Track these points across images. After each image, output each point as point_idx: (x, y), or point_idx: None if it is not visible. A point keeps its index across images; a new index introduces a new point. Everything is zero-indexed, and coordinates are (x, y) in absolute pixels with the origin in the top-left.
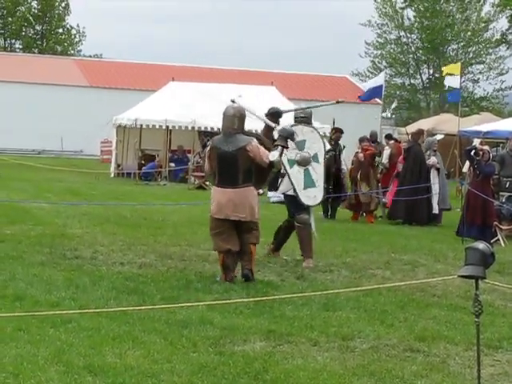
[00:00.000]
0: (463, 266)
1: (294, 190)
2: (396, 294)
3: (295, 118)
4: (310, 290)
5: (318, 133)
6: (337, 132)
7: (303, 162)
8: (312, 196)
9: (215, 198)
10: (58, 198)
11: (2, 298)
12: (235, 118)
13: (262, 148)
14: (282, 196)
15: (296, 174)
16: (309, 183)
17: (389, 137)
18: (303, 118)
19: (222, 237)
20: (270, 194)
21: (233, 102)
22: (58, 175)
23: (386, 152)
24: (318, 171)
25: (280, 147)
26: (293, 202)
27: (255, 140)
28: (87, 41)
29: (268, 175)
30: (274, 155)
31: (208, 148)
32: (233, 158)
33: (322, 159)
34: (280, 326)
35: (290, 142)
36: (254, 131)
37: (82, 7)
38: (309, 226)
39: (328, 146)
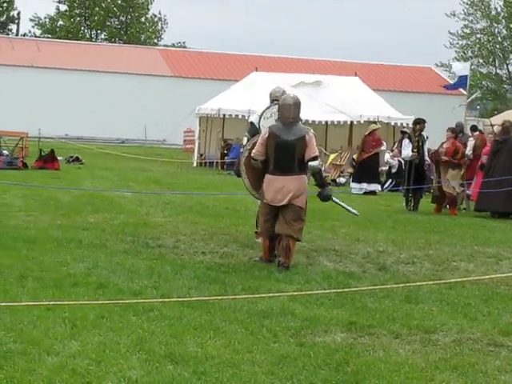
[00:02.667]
0: None
1: None
2: (479, 288)
3: (272, 100)
4: (392, 282)
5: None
6: (419, 123)
7: None
8: None
9: (267, 185)
10: (141, 186)
11: (86, 285)
12: (294, 107)
13: (315, 143)
14: (364, 188)
15: None
16: None
17: (474, 128)
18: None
19: (269, 223)
20: (352, 185)
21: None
22: (141, 164)
23: (471, 143)
24: None
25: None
26: None
27: (312, 131)
28: (171, 29)
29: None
30: (317, 163)
31: (264, 134)
32: (292, 147)
33: None
34: (361, 318)
35: (271, 119)
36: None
37: None
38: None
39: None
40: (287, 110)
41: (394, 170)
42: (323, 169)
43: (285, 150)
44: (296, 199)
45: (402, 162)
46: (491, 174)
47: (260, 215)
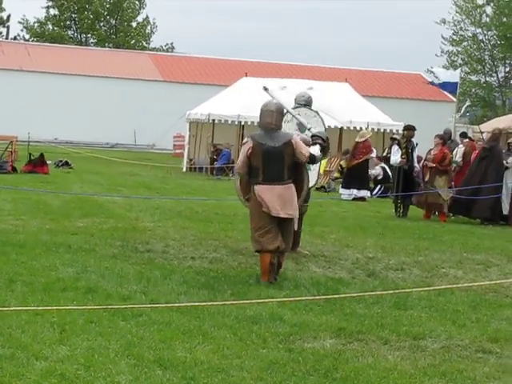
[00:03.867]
0: None
1: None
2: (468, 294)
3: (297, 103)
4: (381, 289)
5: (321, 118)
6: (409, 130)
7: None
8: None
9: (264, 196)
10: (131, 191)
11: (75, 290)
12: (276, 114)
13: (302, 143)
14: (354, 194)
15: None
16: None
17: (464, 135)
18: (304, 106)
19: (270, 235)
20: (342, 191)
21: (265, 89)
22: (130, 169)
23: (460, 150)
24: None
25: (319, 145)
26: None
27: (295, 135)
28: (159, 32)
29: (304, 173)
30: (315, 150)
31: (247, 145)
32: (279, 154)
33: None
34: (350, 324)
35: (292, 123)
36: None
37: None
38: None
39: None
40: (269, 116)
41: (380, 177)
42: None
43: (273, 158)
44: (293, 212)
45: (386, 167)
46: (479, 181)
47: (256, 228)
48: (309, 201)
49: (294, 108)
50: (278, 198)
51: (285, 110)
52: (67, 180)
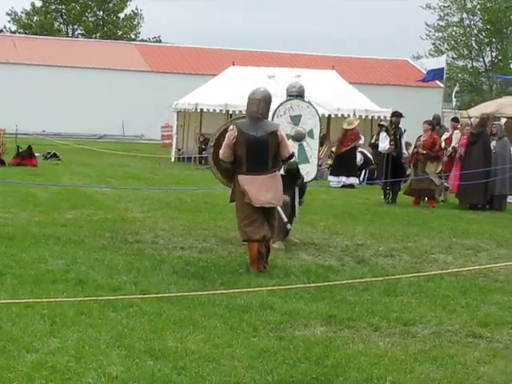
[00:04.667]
0: None
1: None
2: (458, 280)
3: (288, 95)
4: (371, 275)
5: (314, 108)
6: (397, 116)
7: (298, 137)
8: (305, 172)
9: (246, 187)
10: (120, 182)
11: (64, 282)
12: (262, 102)
13: (286, 139)
14: (342, 181)
15: None
16: (302, 159)
17: (456, 120)
18: (296, 97)
19: (256, 224)
20: (331, 178)
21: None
22: (119, 160)
23: (456, 136)
24: (312, 147)
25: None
26: None
27: (281, 126)
28: (146, 24)
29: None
30: (295, 161)
31: (232, 133)
32: (263, 144)
33: (317, 135)
34: (341, 311)
35: (285, 116)
36: None
37: None
38: (288, 208)
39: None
40: (255, 104)
41: (361, 162)
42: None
43: (257, 147)
44: (278, 201)
45: (364, 151)
46: (468, 166)
47: (242, 218)
48: (303, 196)
49: (287, 101)
50: (260, 187)
51: (277, 105)
52: (56, 172)
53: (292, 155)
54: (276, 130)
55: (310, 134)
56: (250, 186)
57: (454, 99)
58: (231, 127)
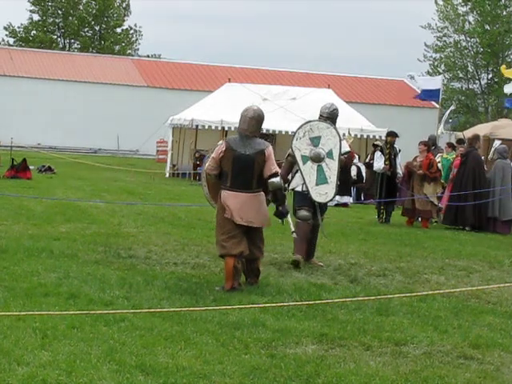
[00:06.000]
0: None
1: (306, 186)
2: (450, 300)
3: (320, 115)
4: (364, 294)
5: (335, 129)
6: (392, 136)
7: (317, 159)
8: (323, 193)
9: (229, 203)
10: (114, 197)
11: (57, 295)
12: (254, 121)
13: (273, 158)
14: (336, 200)
15: (309, 170)
16: (321, 180)
17: (460, 142)
18: (327, 119)
19: (235, 240)
20: None
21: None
22: (113, 174)
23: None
24: (331, 167)
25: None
26: (299, 198)
27: (271, 146)
28: (145, 40)
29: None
30: (279, 179)
31: (219, 148)
32: (250, 162)
33: (336, 155)
34: (332, 330)
35: (305, 138)
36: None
37: (139, 6)
38: (306, 224)
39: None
40: (246, 122)
41: (354, 178)
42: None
43: (243, 165)
44: (260, 221)
45: (360, 166)
46: (456, 187)
47: (221, 233)
48: (325, 213)
49: (306, 123)
50: (242, 205)
51: (296, 128)
52: (50, 185)
53: (275, 174)
54: (264, 148)
55: (330, 154)
56: (232, 202)
57: (443, 124)
58: (220, 142)
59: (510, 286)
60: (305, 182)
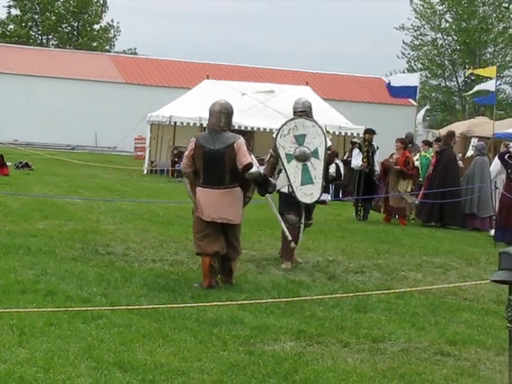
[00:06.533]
0: (496, 270)
1: (291, 187)
2: (427, 297)
3: (294, 112)
4: (341, 291)
5: (320, 127)
6: (370, 133)
7: (302, 158)
8: (309, 193)
9: (200, 199)
10: (92, 193)
11: (34, 292)
12: (222, 115)
13: (246, 149)
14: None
15: (294, 169)
16: (307, 180)
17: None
18: (302, 112)
19: (209, 239)
20: None
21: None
22: (91, 171)
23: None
24: (317, 167)
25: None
26: (285, 200)
27: (242, 138)
28: (122, 35)
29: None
30: (256, 166)
31: (190, 145)
32: (220, 157)
33: (322, 155)
34: (310, 327)
35: (289, 136)
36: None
37: (118, 2)
38: (296, 228)
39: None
40: (214, 116)
41: (333, 175)
42: None
43: (213, 160)
44: (233, 217)
45: (339, 164)
46: (435, 185)
47: (196, 231)
48: (312, 218)
49: (291, 120)
50: (214, 202)
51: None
52: (27, 182)
53: (249, 165)
54: (233, 142)
55: (315, 153)
56: (204, 199)
57: (419, 125)
58: (192, 139)
59: (487, 282)
60: (289, 182)
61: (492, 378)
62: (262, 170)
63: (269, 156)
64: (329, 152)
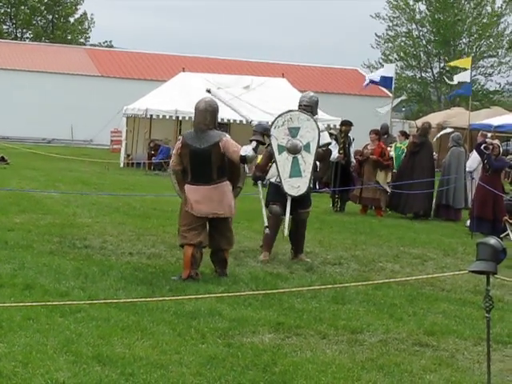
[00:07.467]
0: (474, 260)
1: (279, 177)
2: (405, 288)
3: (299, 105)
4: (319, 283)
5: (315, 122)
6: (346, 125)
7: (293, 150)
8: (296, 186)
9: (189, 196)
10: (68, 187)
11: (12, 286)
12: (207, 113)
13: (233, 143)
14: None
15: (284, 161)
16: (295, 172)
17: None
18: (306, 107)
19: (195, 232)
20: None
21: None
22: (68, 164)
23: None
24: (307, 161)
25: (255, 142)
26: (272, 190)
27: (227, 135)
28: (96, 28)
29: (241, 171)
30: (245, 150)
31: (177, 144)
32: (206, 155)
33: (314, 149)
34: (289, 319)
35: (283, 127)
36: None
37: None
38: (277, 219)
39: (327, 139)
40: (200, 115)
41: None
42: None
43: (200, 159)
44: (224, 211)
45: None
46: (410, 176)
47: (183, 224)
48: (310, 207)
49: (287, 112)
50: (203, 198)
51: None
52: (4, 176)
53: (243, 158)
54: (218, 141)
55: (307, 147)
56: (193, 195)
57: (394, 105)
58: (179, 137)
59: (464, 273)
60: (278, 173)
61: (470, 368)
62: (250, 148)
63: (267, 145)
64: (323, 148)
